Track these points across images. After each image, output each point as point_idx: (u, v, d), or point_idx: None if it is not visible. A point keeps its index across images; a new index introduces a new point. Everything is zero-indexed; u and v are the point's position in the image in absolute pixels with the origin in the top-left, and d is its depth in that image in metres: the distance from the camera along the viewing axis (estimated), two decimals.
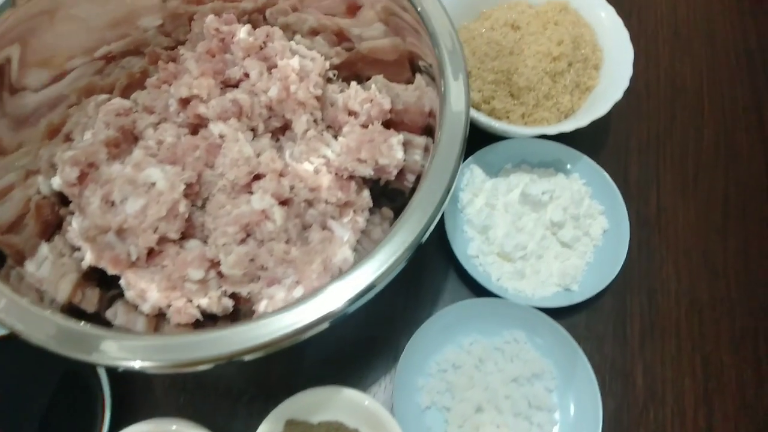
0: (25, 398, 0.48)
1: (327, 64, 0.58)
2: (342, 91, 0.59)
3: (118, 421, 0.46)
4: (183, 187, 0.48)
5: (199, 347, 0.36)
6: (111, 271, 0.48)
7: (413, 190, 0.47)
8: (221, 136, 0.51)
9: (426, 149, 0.51)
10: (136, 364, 0.35)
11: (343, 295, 0.38)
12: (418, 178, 0.51)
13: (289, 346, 0.37)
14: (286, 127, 0.56)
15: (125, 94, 0.58)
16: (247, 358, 0.36)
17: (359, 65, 0.59)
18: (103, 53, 0.55)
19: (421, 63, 0.51)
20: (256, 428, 0.45)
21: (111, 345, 0.36)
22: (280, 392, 0.47)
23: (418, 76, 0.53)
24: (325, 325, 0.37)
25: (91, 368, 0.50)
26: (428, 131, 0.51)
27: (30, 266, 0.46)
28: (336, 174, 0.52)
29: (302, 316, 0.37)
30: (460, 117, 0.44)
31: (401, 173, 0.52)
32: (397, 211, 0.53)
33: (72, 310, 0.43)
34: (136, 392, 0.51)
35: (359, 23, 0.56)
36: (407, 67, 0.54)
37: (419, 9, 0.48)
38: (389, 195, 0.55)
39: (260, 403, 0.50)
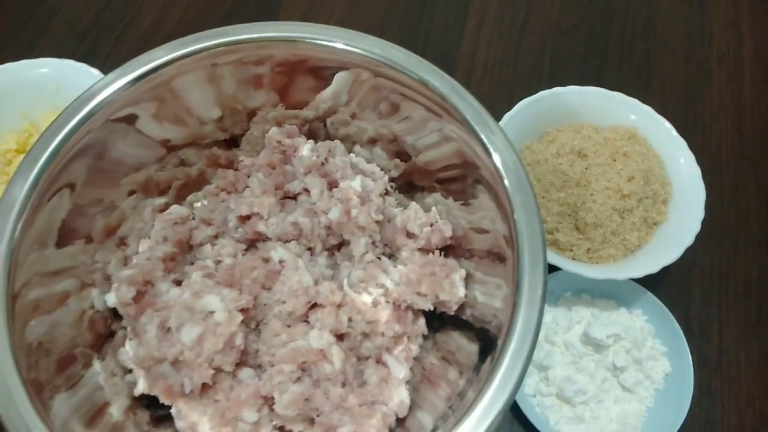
0: None
1: (386, 179, 0.57)
2: (399, 203, 0.58)
3: None
4: (240, 318, 0.47)
5: None
6: (163, 400, 0.47)
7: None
8: (281, 263, 0.51)
9: (484, 284, 0.50)
10: None
11: None
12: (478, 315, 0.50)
13: None
14: (341, 244, 0.55)
15: (181, 192, 0.58)
16: None
17: (415, 176, 0.58)
18: (163, 138, 0.55)
19: (484, 186, 0.50)
20: None
21: None
22: None
23: (481, 196, 0.51)
24: None
25: None
26: (495, 256, 0.49)
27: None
28: (394, 304, 0.51)
29: None
30: (538, 268, 0.42)
31: (461, 308, 0.51)
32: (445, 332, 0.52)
33: None
34: None
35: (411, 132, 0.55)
36: (469, 184, 0.53)
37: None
38: (440, 317, 0.54)
39: None
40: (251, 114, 0.58)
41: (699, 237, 0.61)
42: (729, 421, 0.54)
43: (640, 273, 0.50)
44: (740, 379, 0.55)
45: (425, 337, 0.54)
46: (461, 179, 0.52)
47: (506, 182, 0.44)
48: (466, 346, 0.50)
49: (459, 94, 0.48)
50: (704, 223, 0.62)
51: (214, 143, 0.58)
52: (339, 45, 0.50)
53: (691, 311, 0.58)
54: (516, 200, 0.43)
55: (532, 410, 0.51)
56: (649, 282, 0.56)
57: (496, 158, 0.45)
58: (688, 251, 0.60)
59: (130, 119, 0.50)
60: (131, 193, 0.54)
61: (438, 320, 0.54)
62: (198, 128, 0.56)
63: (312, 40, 0.50)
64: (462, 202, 0.53)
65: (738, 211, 0.63)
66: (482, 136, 0.46)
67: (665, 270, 0.59)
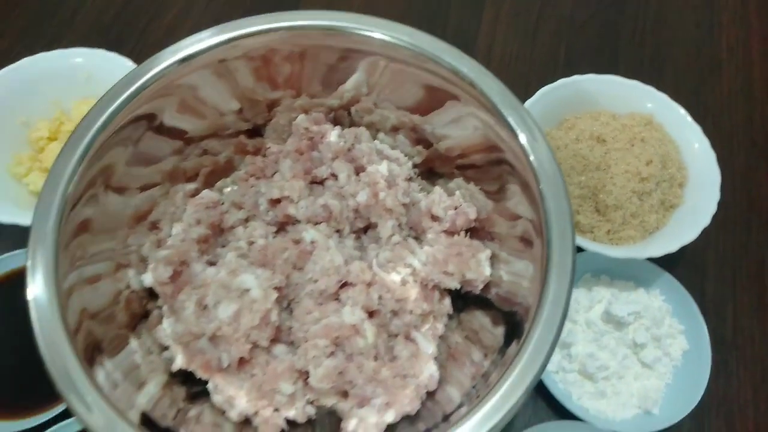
0: None
1: (410, 165, 0.59)
2: (422, 189, 0.60)
3: None
4: (275, 295, 0.49)
5: None
6: (200, 375, 0.49)
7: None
8: (312, 243, 0.52)
9: (509, 263, 0.52)
10: None
11: None
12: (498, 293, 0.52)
13: None
14: (368, 227, 0.57)
15: (209, 180, 0.60)
16: None
17: (437, 163, 0.60)
18: (184, 129, 0.56)
19: (509, 168, 0.51)
20: None
21: None
22: None
23: (506, 179, 0.52)
24: None
25: None
26: (521, 240, 0.50)
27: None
28: (421, 283, 0.52)
29: None
30: (567, 256, 0.43)
31: (486, 287, 0.53)
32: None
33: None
34: None
35: (430, 121, 0.57)
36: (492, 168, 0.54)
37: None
38: (464, 297, 0.55)
39: None
40: (271, 105, 0.59)
41: (712, 220, 0.63)
42: (745, 396, 0.55)
43: (660, 252, 0.52)
44: (756, 357, 0.57)
45: (450, 317, 0.55)
46: (484, 166, 0.54)
47: (532, 158, 0.46)
48: (489, 327, 0.51)
49: (486, 77, 0.49)
50: (718, 206, 0.64)
51: (238, 133, 0.60)
52: (376, 34, 0.51)
53: (707, 291, 0.59)
54: (542, 176, 0.45)
55: (555, 386, 0.53)
56: (666, 263, 0.58)
57: (522, 138, 0.46)
58: (703, 234, 0.62)
59: (152, 115, 0.51)
60: (154, 185, 0.55)
61: (462, 300, 0.55)
62: (218, 120, 0.57)
63: (344, 29, 0.52)
64: (483, 186, 0.55)
65: (749, 197, 0.65)
66: (509, 119, 0.47)
67: (681, 252, 0.61)
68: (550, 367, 0.54)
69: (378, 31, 0.51)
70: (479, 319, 0.54)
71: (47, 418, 0.52)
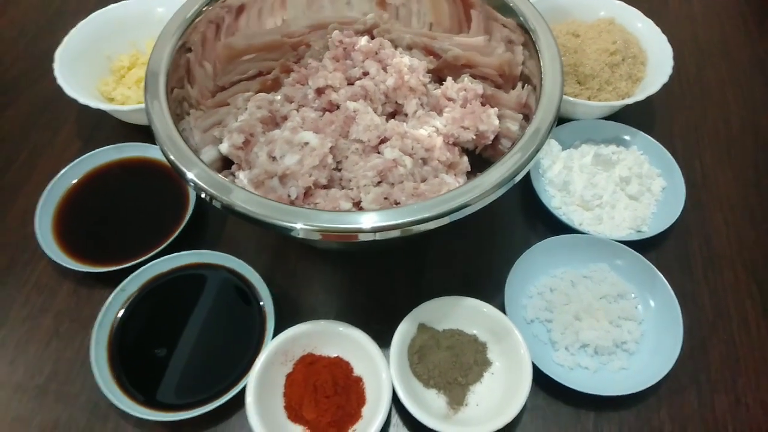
0: (213, 311, 0.61)
1: (425, 64, 0.73)
2: (436, 88, 0.74)
3: (279, 326, 0.57)
4: (330, 145, 0.61)
5: (356, 221, 0.47)
6: None
7: None
8: (355, 111, 0.65)
9: (512, 118, 0.64)
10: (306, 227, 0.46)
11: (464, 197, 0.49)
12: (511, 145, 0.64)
13: (420, 233, 0.47)
14: (395, 113, 0.70)
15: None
16: (389, 235, 0.47)
17: (445, 71, 0.74)
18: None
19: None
20: (389, 330, 0.56)
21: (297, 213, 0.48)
22: (404, 304, 0.58)
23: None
24: (446, 220, 0.48)
25: (255, 294, 0.61)
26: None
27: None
28: (443, 139, 0.65)
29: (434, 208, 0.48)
30: (554, 99, 0.56)
31: (496, 139, 0.65)
32: None
33: None
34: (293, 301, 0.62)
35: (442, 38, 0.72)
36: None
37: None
38: (480, 166, 0.67)
39: (389, 312, 0.59)
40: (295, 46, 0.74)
41: (673, 106, 0.77)
42: (717, 222, 0.67)
43: (632, 101, 0.65)
44: (722, 195, 0.69)
45: (468, 176, 0.67)
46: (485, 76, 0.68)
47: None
48: None
49: None
50: (676, 96, 0.78)
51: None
52: None
53: (677, 152, 0.72)
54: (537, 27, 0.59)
55: (561, 217, 0.64)
56: (641, 128, 0.71)
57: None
58: (667, 115, 0.76)
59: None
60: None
61: (477, 169, 0.67)
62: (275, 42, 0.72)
63: None
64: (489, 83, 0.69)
65: (702, 87, 0.80)
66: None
67: (650, 129, 0.75)
68: (554, 204, 0.66)
69: None
70: None
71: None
